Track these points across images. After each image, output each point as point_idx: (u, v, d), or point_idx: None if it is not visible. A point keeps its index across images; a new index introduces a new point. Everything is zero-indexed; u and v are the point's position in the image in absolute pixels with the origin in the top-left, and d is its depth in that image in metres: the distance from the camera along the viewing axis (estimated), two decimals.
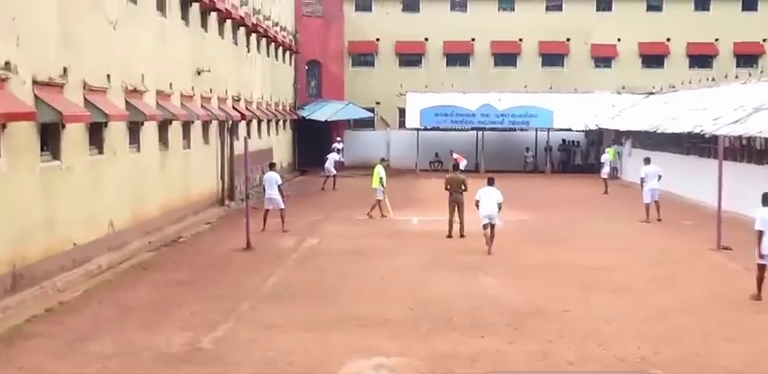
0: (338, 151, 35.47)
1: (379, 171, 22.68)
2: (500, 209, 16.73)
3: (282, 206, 19.72)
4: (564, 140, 40.93)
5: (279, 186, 19.76)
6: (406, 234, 19.62)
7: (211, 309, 11.65)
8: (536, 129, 39.39)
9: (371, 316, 11.28)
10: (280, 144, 35.36)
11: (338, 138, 39.56)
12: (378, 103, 42.12)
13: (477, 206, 16.80)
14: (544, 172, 38.94)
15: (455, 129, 39.44)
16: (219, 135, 24.53)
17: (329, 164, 31.09)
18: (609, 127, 36.97)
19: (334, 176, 30.93)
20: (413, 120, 39.02)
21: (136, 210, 17.09)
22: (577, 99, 38.58)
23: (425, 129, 39.37)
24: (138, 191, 17.32)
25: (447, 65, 42.84)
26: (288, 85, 38.51)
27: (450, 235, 18.65)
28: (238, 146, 24.79)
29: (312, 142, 39.46)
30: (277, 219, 19.58)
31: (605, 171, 29.45)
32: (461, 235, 18.51)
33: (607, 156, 30.30)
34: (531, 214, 22.87)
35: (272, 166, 21.02)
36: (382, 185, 22.44)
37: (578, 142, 41.30)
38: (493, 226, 16.64)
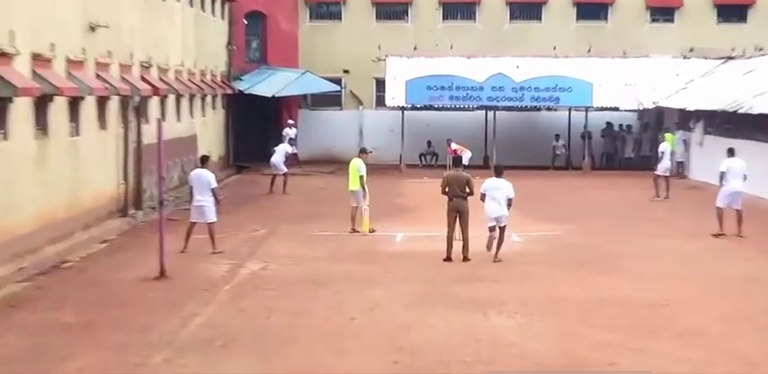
0: (290, 140, 35.41)
1: (359, 167, 22.46)
2: (510, 205, 18.01)
3: (214, 219, 19.66)
4: (609, 124, 41.18)
5: (213, 190, 19.65)
6: (387, 256, 19.62)
7: (110, 363, 11.55)
8: (569, 109, 39.65)
9: (338, 371, 11.23)
10: (207, 129, 35.28)
11: (290, 122, 39.52)
12: (346, 72, 42.22)
13: (483, 200, 18.04)
14: (581, 168, 39.11)
15: (455, 109, 39.58)
16: (122, 116, 24.42)
17: (277, 159, 31.10)
18: (671, 105, 37.20)
19: (284, 175, 30.96)
20: (396, 95, 39.06)
21: (0, 223, 16.91)
22: (627, 66, 38.80)
23: (413, 109, 39.47)
24: (5, 195, 17.17)
25: (444, 18, 43.03)
26: (219, 47, 38.41)
27: (448, 258, 18.63)
28: (149, 133, 24.65)
29: (253, 126, 39.41)
30: (204, 235, 19.50)
31: (664, 166, 29.46)
32: (464, 258, 18.52)
33: (666, 146, 30.33)
34: (562, 227, 23.02)
35: (203, 161, 20.77)
36: (363, 187, 22.31)
37: (629, 126, 41.55)
38: (503, 228, 17.86)
